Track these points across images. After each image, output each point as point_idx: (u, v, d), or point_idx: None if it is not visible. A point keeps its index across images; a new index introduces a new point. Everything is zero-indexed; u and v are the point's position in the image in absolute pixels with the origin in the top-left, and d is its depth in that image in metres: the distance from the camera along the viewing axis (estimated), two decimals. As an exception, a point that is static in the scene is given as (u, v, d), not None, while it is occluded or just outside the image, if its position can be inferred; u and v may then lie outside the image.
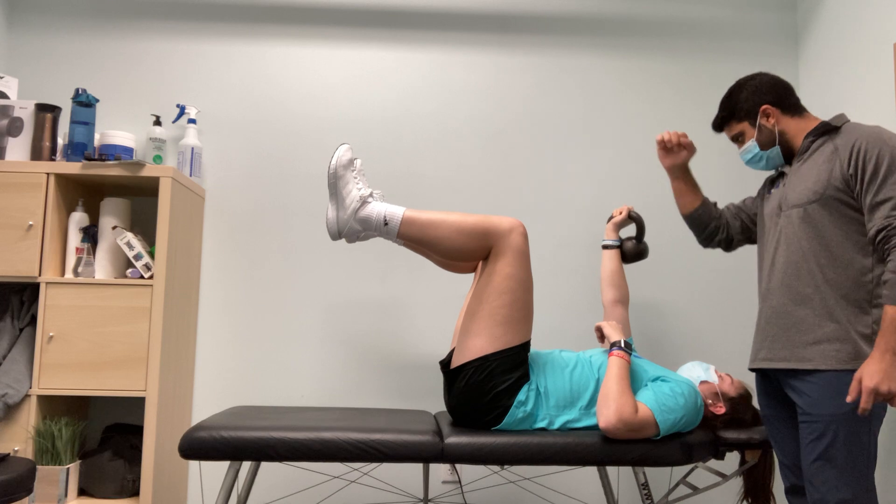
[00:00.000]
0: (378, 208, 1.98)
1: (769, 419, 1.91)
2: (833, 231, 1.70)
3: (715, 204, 2.11)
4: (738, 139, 1.92)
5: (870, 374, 1.56)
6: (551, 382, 1.94)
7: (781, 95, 1.87)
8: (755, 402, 2.75)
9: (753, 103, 1.87)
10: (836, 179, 1.70)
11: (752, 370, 1.90)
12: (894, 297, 1.58)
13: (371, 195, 2.00)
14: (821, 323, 1.69)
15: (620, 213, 2.40)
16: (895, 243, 1.60)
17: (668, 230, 2.82)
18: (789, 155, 1.88)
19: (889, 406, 1.62)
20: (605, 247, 2.40)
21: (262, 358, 2.69)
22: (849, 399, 1.59)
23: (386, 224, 1.97)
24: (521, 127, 2.84)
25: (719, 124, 1.96)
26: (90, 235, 2.39)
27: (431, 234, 1.96)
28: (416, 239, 1.97)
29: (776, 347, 1.78)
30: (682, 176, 2.08)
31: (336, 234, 2.01)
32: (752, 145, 1.88)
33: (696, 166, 2.84)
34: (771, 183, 1.97)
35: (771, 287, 1.81)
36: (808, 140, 1.81)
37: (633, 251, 2.36)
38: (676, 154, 2.05)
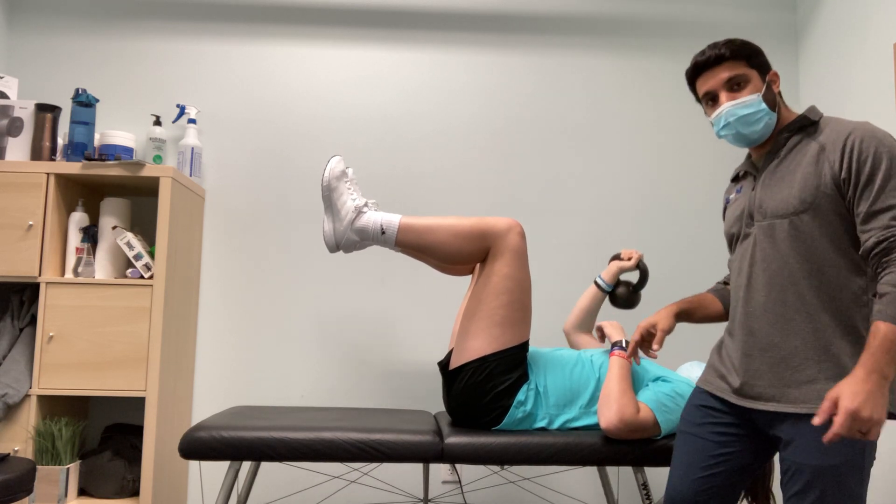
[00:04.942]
0: (374, 217, 1.97)
1: (687, 438, 1.63)
2: (825, 247, 1.46)
3: (725, 284, 1.82)
4: (737, 83, 1.56)
5: (851, 395, 1.29)
6: (551, 381, 1.94)
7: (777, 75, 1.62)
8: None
9: (765, 61, 1.59)
10: (827, 185, 1.45)
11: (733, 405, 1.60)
12: (889, 313, 1.33)
13: (366, 205, 2.00)
14: (816, 357, 1.45)
15: (629, 259, 2.23)
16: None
17: (669, 230, 2.82)
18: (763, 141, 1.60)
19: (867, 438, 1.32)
20: (598, 286, 2.26)
21: (262, 358, 2.69)
22: (816, 421, 1.31)
23: (383, 233, 1.96)
24: (521, 127, 2.84)
25: (727, 56, 1.56)
26: (90, 235, 2.39)
27: (429, 239, 1.96)
28: (414, 245, 1.97)
29: (761, 385, 1.51)
30: (686, 317, 1.74)
31: (334, 247, 2.01)
32: (756, 99, 1.54)
33: (686, 156, 2.84)
34: (732, 182, 1.72)
35: (750, 312, 1.54)
36: (784, 136, 1.56)
37: (625, 298, 2.20)
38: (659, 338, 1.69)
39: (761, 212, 1.54)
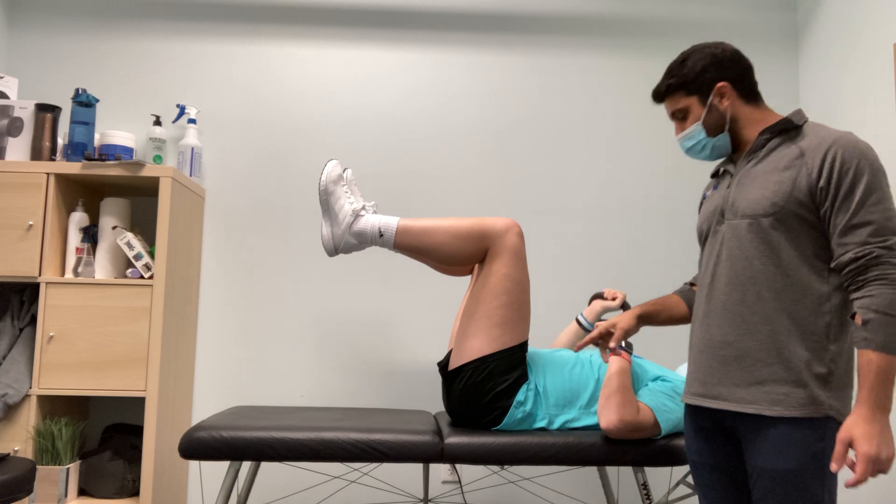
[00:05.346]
0: (372, 220, 1.98)
1: (697, 466, 1.60)
2: (790, 251, 1.44)
3: (692, 285, 1.81)
4: (681, 117, 1.61)
5: (866, 439, 1.29)
6: (550, 381, 1.94)
7: (742, 75, 1.57)
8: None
9: (710, 77, 1.56)
10: (801, 191, 1.43)
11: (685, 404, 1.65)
12: (879, 341, 1.31)
13: (363, 208, 2.00)
14: (767, 359, 1.43)
15: (614, 299, 2.23)
16: (874, 275, 1.35)
17: (668, 229, 2.82)
18: (733, 147, 1.61)
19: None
20: (580, 324, 2.27)
21: (262, 358, 2.69)
22: (834, 468, 1.31)
23: (381, 236, 1.96)
24: (521, 127, 2.84)
25: (663, 93, 1.62)
26: (90, 235, 2.39)
27: (428, 241, 1.96)
28: (412, 248, 1.97)
29: (711, 383, 1.51)
30: (649, 320, 1.74)
31: (332, 251, 2.01)
32: (696, 129, 1.58)
33: (686, 157, 2.84)
34: (711, 179, 1.71)
35: (710, 310, 1.54)
36: (764, 137, 1.53)
37: None
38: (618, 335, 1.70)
39: (733, 210, 1.52)
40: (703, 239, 1.63)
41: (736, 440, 1.54)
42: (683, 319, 1.76)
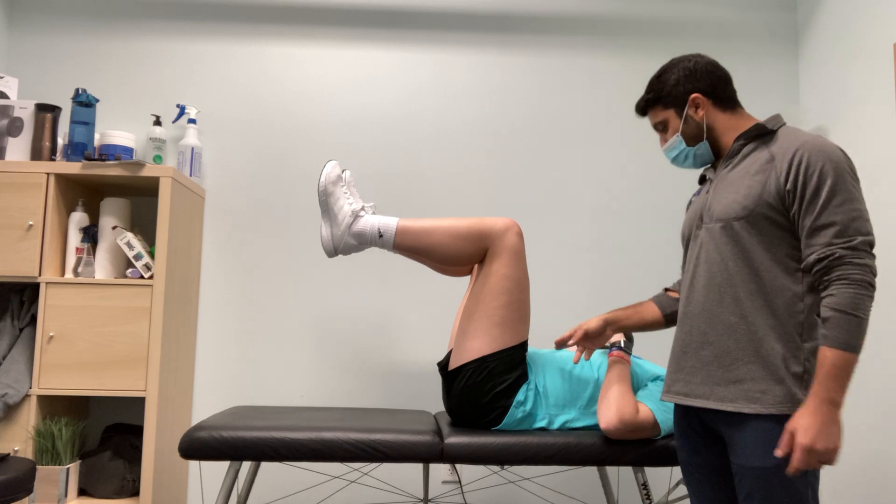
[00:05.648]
0: (371, 221, 1.98)
1: (687, 467, 1.63)
2: (762, 253, 1.48)
3: (668, 291, 1.87)
4: (661, 129, 1.68)
5: (804, 430, 1.34)
6: (550, 381, 1.94)
7: (716, 85, 1.62)
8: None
9: (684, 90, 1.62)
10: (770, 194, 1.47)
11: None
12: (835, 337, 1.36)
13: (363, 208, 2.00)
14: (745, 358, 1.47)
15: None
16: (836, 275, 1.39)
17: (668, 229, 2.82)
18: (715, 154, 1.66)
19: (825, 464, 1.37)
20: None
21: (262, 358, 2.69)
22: (779, 453, 1.37)
23: (381, 236, 1.97)
24: (522, 127, 2.84)
25: (643, 107, 1.70)
26: (90, 235, 2.39)
27: (427, 241, 1.96)
28: (412, 248, 1.97)
29: (694, 382, 1.54)
30: (617, 325, 1.81)
31: (332, 251, 2.01)
32: (676, 141, 1.65)
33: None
34: (699, 184, 1.76)
35: (689, 311, 1.58)
36: (740, 143, 1.58)
37: None
38: (594, 340, 1.82)
39: (709, 214, 1.57)
40: (686, 243, 1.68)
41: (721, 439, 1.56)
42: (657, 325, 1.82)
